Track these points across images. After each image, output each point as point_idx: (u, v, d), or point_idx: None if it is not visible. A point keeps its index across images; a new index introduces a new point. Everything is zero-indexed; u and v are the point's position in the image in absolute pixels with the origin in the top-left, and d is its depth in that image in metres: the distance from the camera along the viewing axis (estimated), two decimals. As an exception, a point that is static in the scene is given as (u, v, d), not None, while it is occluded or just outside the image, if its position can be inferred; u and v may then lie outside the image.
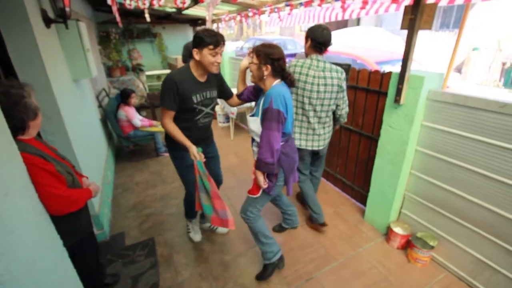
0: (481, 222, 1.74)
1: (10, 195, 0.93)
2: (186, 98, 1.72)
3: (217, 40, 1.62)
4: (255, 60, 1.60)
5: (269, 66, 1.55)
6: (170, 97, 1.69)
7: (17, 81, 1.20)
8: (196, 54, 1.67)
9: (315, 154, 2.31)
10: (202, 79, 1.78)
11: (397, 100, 1.97)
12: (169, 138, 1.91)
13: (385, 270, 2.04)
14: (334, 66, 1.99)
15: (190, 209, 2.20)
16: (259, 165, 1.61)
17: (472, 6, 2.07)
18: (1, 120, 0.99)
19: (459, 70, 9.26)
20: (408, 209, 2.24)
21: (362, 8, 2.19)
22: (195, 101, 1.76)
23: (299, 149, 2.12)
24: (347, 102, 2.13)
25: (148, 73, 4.73)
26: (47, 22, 1.90)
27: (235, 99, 2.03)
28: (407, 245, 2.17)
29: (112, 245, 2.30)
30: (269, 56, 1.54)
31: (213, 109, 1.93)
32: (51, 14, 1.99)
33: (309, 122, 2.06)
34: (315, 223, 2.43)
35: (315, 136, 2.11)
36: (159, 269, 2.07)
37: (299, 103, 2.04)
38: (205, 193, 1.80)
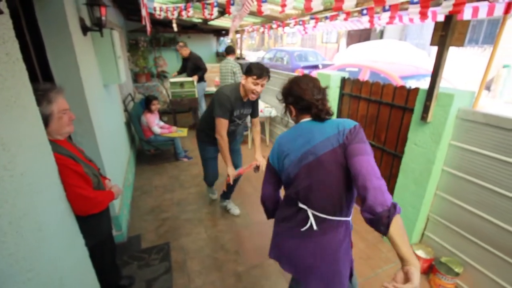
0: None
1: (42, 193, 0.97)
2: (232, 112, 2.13)
3: (260, 73, 1.95)
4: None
5: (291, 106, 1.26)
6: (226, 112, 2.09)
7: (43, 85, 1.20)
8: (243, 80, 2.04)
9: None
10: (244, 99, 2.17)
11: (424, 117, 1.90)
12: (201, 130, 2.41)
13: (405, 294, 1.93)
14: (232, 61, 4.39)
15: (209, 183, 2.79)
16: None
17: (510, 17, 2.00)
18: (38, 123, 1.04)
19: (488, 87, 8.88)
20: (432, 231, 2.13)
21: (389, 23, 2.18)
22: (235, 114, 2.19)
23: None
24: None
25: (172, 80, 4.89)
26: (84, 30, 2.02)
27: (255, 119, 2.46)
28: (430, 269, 2.05)
29: (129, 247, 2.34)
30: (284, 95, 1.29)
31: (243, 121, 2.39)
32: (88, 23, 2.11)
33: None
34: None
35: None
36: (173, 275, 2.08)
37: None
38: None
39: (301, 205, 1.15)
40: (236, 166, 2.49)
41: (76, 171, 1.20)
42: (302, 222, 1.16)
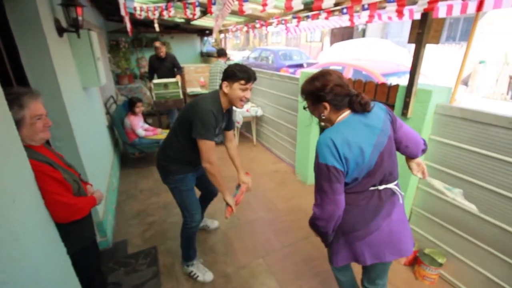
0: (492, 240, 1.70)
1: (18, 202, 0.93)
2: (214, 129, 1.70)
3: (248, 76, 1.61)
4: (305, 104, 1.32)
5: (325, 104, 1.19)
6: (212, 130, 1.64)
7: (17, 89, 1.16)
8: (225, 87, 1.64)
9: None
10: (224, 110, 1.77)
11: (404, 113, 1.95)
12: (174, 161, 1.81)
13: (392, 287, 1.98)
14: (222, 63, 4.31)
15: (190, 244, 2.04)
16: (310, 222, 1.30)
17: (481, 16, 2.12)
18: (11, 128, 1.00)
19: (465, 83, 9.24)
20: (415, 224, 2.19)
21: (369, 22, 2.24)
22: (216, 132, 1.76)
23: None
24: None
25: (155, 81, 4.80)
26: (60, 31, 1.95)
27: (230, 132, 2.05)
28: (415, 261, 2.11)
29: (115, 252, 2.29)
30: (317, 93, 1.19)
31: (219, 137, 2.00)
32: (64, 24, 2.04)
33: None
34: None
35: None
36: (161, 279, 2.05)
37: None
38: None
39: (382, 186, 1.22)
40: (210, 191, 2.21)
41: (55, 177, 1.16)
42: (388, 200, 1.24)
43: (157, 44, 4.86)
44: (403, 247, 1.24)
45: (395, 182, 1.27)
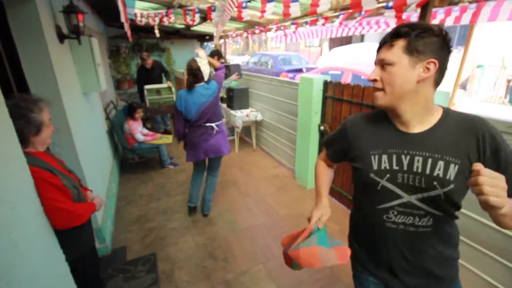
0: (492, 244, 1.69)
1: (17, 209, 0.93)
2: None
3: None
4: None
5: (188, 75, 2.47)
6: None
7: (31, 96, 1.23)
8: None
9: None
10: None
11: (403, 118, 1.96)
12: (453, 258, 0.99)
13: (393, 292, 1.97)
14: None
15: None
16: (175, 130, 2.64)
17: (477, 24, 2.15)
18: (12, 134, 1.00)
19: (463, 87, 9.28)
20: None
21: (367, 30, 2.26)
22: None
23: None
24: None
25: (147, 87, 4.77)
26: (61, 37, 1.96)
27: None
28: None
29: (114, 259, 2.27)
30: (188, 68, 2.43)
31: None
32: (65, 30, 2.06)
33: None
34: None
35: None
36: (160, 286, 2.03)
37: None
38: None
39: (207, 124, 2.53)
40: None
41: (54, 183, 1.16)
42: (208, 131, 2.55)
43: (145, 55, 4.87)
44: (219, 151, 2.60)
45: (216, 123, 2.55)
